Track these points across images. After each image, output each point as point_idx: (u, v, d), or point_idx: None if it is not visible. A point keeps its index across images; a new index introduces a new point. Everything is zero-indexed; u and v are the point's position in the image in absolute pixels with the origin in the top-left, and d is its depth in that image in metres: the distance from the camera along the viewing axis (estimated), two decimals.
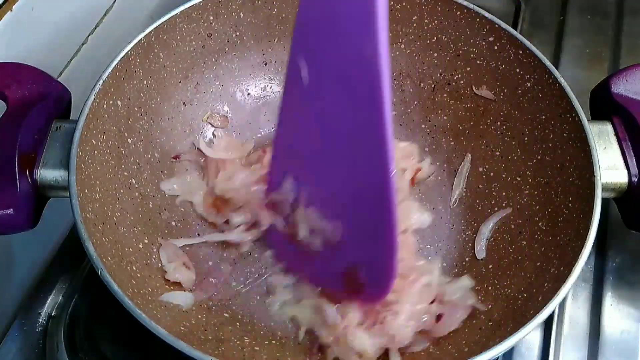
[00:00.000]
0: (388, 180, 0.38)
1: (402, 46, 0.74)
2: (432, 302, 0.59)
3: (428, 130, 0.75)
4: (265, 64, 0.76)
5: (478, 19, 0.68)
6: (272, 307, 0.62)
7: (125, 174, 0.63)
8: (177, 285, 0.61)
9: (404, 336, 0.56)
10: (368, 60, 0.34)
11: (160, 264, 0.62)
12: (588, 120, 0.60)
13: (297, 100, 0.43)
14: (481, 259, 0.65)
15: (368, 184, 0.41)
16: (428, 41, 0.73)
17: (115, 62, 0.61)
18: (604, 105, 0.64)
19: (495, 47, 0.68)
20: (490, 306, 0.59)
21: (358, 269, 0.47)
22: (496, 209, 0.67)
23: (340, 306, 0.59)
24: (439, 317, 0.58)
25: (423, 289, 0.59)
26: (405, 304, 0.57)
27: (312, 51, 0.38)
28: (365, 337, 0.56)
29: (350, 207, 0.44)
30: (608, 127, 0.62)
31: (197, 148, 0.72)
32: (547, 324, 0.65)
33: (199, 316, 0.59)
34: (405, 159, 0.71)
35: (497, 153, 0.70)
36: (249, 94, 0.77)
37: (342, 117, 0.39)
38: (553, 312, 0.61)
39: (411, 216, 0.66)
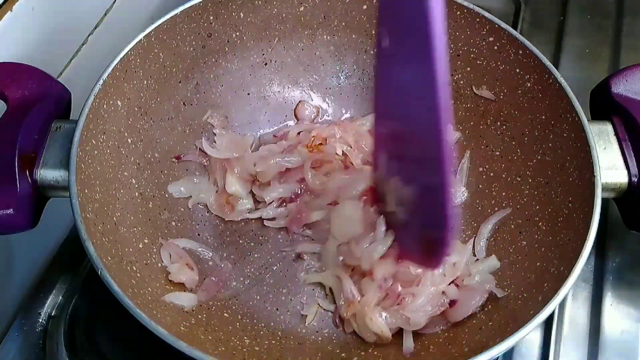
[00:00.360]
0: (444, 157, 0.45)
1: None
2: (450, 284, 0.61)
3: None
4: (265, 64, 0.76)
5: (478, 19, 0.68)
6: (299, 273, 0.66)
7: (125, 174, 0.63)
8: (179, 286, 0.61)
9: (418, 320, 0.58)
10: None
11: (160, 264, 0.62)
12: (588, 120, 0.60)
13: (383, 84, 0.51)
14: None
15: (430, 158, 0.47)
16: None
17: (115, 62, 0.61)
18: (604, 105, 0.64)
19: (495, 47, 0.68)
20: (507, 291, 0.59)
21: (430, 230, 0.52)
22: (496, 209, 0.67)
23: (359, 281, 0.62)
24: (453, 303, 0.60)
25: (448, 268, 0.61)
26: (426, 286, 0.60)
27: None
28: (381, 321, 0.58)
29: (418, 177, 0.51)
30: (608, 127, 0.62)
31: (199, 149, 0.72)
32: (547, 324, 0.65)
33: (199, 316, 0.59)
34: None
35: (497, 153, 0.70)
36: (248, 94, 0.77)
37: (413, 108, 0.47)
38: (553, 312, 0.61)
39: None
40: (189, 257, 0.63)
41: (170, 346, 0.48)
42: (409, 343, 0.59)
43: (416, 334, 0.60)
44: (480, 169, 0.71)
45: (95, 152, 0.59)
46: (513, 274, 0.61)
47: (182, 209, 0.68)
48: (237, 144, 0.72)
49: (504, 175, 0.68)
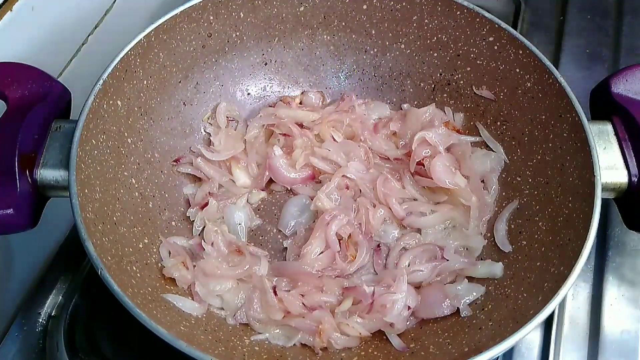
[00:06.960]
0: None
1: (402, 46, 0.74)
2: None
3: None
4: (265, 64, 0.76)
5: (478, 19, 0.68)
6: None
7: (125, 174, 0.63)
8: (173, 282, 0.61)
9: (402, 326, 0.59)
10: None
11: (160, 264, 0.62)
12: (588, 120, 0.60)
13: None
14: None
15: None
16: (428, 41, 0.73)
17: (115, 62, 0.61)
18: (604, 105, 0.64)
19: (495, 47, 0.68)
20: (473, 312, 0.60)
21: None
22: (496, 208, 0.67)
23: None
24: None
25: None
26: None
27: None
28: (358, 326, 0.59)
29: None
30: (608, 127, 0.62)
31: (199, 153, 0.71)
32: (547, 324, 0.65)
33: (199, 316, 0.59)
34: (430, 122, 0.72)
35: None
36: (249, 94, 0.77)
37: None
38: (553, 312, 0.61)
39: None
40: (188, 257, 0.63)
41: (170, 346, 0.48)
42: (396, 341, 0.59)
43: (415, 334, 0.60)
44: None
45: (95, 152, 0.59)
46: (513, 274, 0.61)
47: (182, 209, 0.68)
48: (234, 138, 0.73)
49: (504, 175, 0.68)
